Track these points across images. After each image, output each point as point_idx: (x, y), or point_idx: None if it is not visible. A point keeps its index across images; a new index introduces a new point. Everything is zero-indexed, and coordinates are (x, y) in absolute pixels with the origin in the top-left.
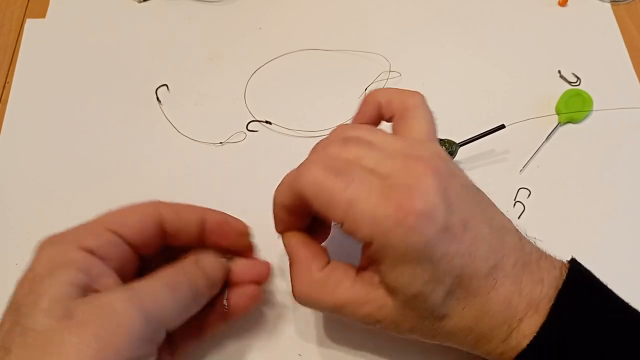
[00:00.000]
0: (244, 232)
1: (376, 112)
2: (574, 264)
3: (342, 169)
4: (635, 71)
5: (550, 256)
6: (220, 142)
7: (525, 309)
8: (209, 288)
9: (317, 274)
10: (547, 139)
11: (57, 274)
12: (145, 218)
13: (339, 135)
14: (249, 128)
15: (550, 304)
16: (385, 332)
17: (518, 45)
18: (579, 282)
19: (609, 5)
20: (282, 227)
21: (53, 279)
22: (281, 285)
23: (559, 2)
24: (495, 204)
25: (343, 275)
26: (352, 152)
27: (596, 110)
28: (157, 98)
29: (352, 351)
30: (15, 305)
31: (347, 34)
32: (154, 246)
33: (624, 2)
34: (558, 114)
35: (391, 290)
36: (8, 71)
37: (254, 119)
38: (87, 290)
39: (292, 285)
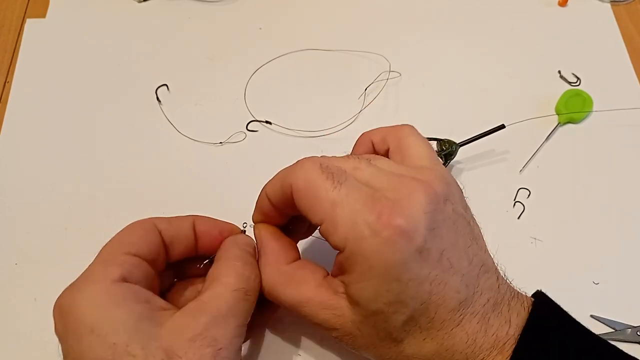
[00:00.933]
0: (235, 233)
1: (370, 149)
2: (538, 297)
3: (335, 173)
4: (635, 71)
5: (522, 295)
6: (220, 142)
7: (490, 349)
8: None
9: (284, 267)
10: (547, 139)
11: (121, 316)
12: (147, 232)
13: (343, 155)
14: (249, 128)
15: (515, 345)
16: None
17: (518, 45)
18: (542, 318)
19: (609, 5)
20: (259, 218)
21: (121, 322)
22: None
23: (559, 2)
24: (495, 204)
25: (310, 275)
26: (349, 163)
27: (596, 111)
28: (157, 98)
29: (352, 351)
30: None
31: (347, 34)
32: (162, 260)
33: (624, 2)
34: (558, 114)
35: (353, 302)
36: (8, 71)
37: (254, 119)
38: (151, 315)
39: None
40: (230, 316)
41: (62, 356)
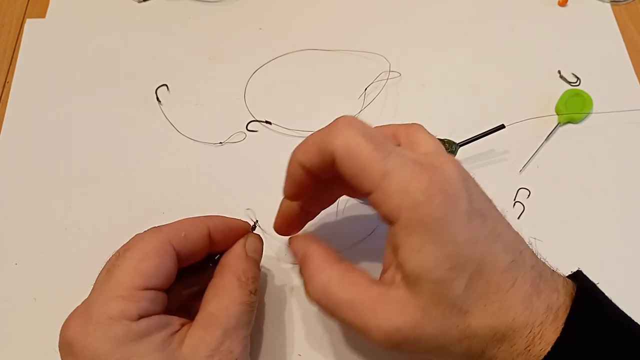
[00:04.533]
0: (247, 231)
1: None
2: (580, 275)
3: (380, 141)
4: (635, 71)
5: (558, 272)
6: (220, 142)
7: (545, 313)
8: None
9: (336, 267)
10: (547, 139)
11: (142, 350)
12: (165, 259)
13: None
14: (248, 128)
15: (567, 312)
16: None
17: (518, 45)
18: (590, 293)
19: (609, 5)
20: (292, 190)
21: (142, 355)
22: (280, 285)
23: (559, 2)
24: (495, 204)
25: (361, 276)
26: (387, 133)
27: (596, 111)
28: (157, 98)
29: (352, 351)
30: None
31: (347, 34)
32: (175, 275)
33: (624, 2)
34: (558, 114)
35: (414, 281)
36: (8, 71)
37: (253, 119)
38: (170, 340)
39: (307, 281)
40: (239, 328)
41: None
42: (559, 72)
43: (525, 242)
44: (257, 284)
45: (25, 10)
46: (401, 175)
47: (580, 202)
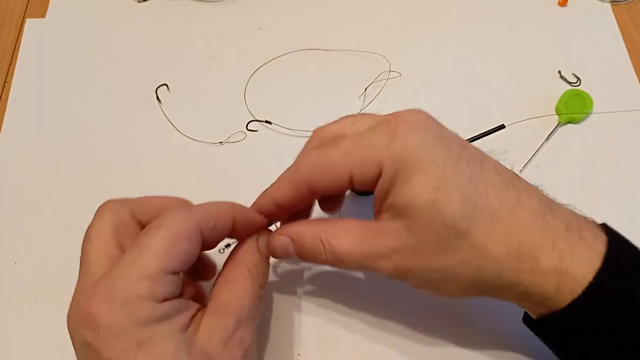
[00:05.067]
0: (263, 227)
1: None
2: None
3: (332, 139)
4: (635, 71)
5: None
6: (220, 142)
7: (566, 231)
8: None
9: (323, 221)
10: (547, 139)
11: (165, 331)
12: (194, 246)
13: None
14: (248, 128)
15: (597, 235)
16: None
17: (518, 45)
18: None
19: (609, 5)
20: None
21: (165, 336)
22: (280, 286)
23: (559, 2)
24: None
25: (350, 220)
26: (341, 123)
27: (596, 111)
28: (157, 98)
29: (352, 351)
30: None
31: (347, 34)
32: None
33: (624, 2)
34: (558, 114)
35: (404, 211)
36: (8, 71)
37: (253, 119)
38: (189, 323)
39: (300, 243)
40: (249, 319)
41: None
42: (559, 72)
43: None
44: (266, 279)
45: (25, 10)
46: (360, 143)
47: (580, 202)
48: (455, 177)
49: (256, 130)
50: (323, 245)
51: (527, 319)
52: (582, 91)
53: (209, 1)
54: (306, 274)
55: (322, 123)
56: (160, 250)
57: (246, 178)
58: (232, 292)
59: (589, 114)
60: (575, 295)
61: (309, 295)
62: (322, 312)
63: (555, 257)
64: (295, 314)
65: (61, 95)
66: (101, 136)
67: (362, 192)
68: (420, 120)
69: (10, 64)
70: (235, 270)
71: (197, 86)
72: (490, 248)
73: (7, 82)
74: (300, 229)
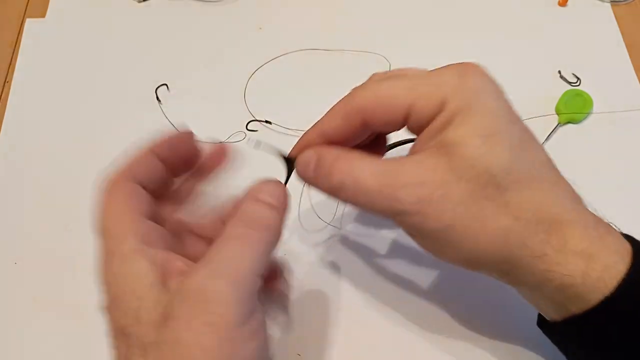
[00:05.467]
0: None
1: None
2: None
3: (394, 74)
4: (635, 71)
5: None
6: (220, 142)
7: (596, 222)
8: (278, 217)
9: (354, 150)
10: (547, 139)
11: (137, 275)
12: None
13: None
14: (248, 128)
15: (623, 238)
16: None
17: (518, 45)
18: None
19: (609, 5)
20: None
21: (136, 284)
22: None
23: (559, 2)
24: None
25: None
26: (402, 68)
27: (596, 111)
28: (157, 98)
29: (352, 351)
30: (115, 319)
31: (347, 34)
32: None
33: (624, 2)
34: (558, 114)
35: (448, 147)
36: (8, 71)
37: (253, 119)
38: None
39: (328, 172)
40: (233, 266)
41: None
42: (559, 72)
43: None
44: (266, 222)
45: (25, 10)
46: (426, 80)
47: None
48: (510, 134)
49: (256, 130)
50: (345, 167)
51: (542, 322)
52: (582, 91)
53: (209, 1)
54: (306, 274)
55: None
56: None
57: (246, 178)
58: (210, 248)
59: (589, 114)
60: (610, 284)
61: (309, 295)
62: (322, 312)
63: (584, 240)
64: (296, 313)
65: (61, 95)
66: (101, 136)
67: None
68: (488, 74)
69: (10, 64)
70: (239, 223)
71: (197, 86)
72: (522, 211)
73: (7, 82)
74: (326, 148)
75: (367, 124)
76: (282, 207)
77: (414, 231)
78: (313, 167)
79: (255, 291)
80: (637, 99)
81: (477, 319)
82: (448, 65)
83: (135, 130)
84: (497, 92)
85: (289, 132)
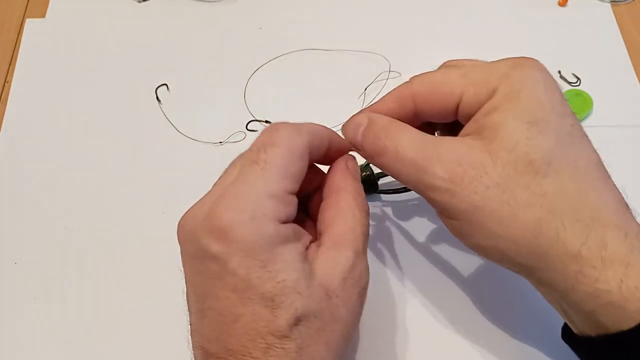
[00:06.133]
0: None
1: None
2: None
3: (452, 64)
4: (635, 71)
5: None
6: (220, 142)
7: (638, 232)
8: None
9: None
10: None
11: (287, 256)
12: (306, 164)
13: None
14: (248, 128)
15: None
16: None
17: (518, 45)
18: None
19: (609, 5)
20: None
21: (287, 261)
22: None
23: (559, 2)
24: None
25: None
26: (456, 60)
27: (596, 111)
28: (157, 98)
29: (352, 351)
30: (259, 295)
31: (347, 34)
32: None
33: (624, 2)
34: None
35: (489, 130)
36: (8, 71)
37: (253, 119)
38: (305, 253)
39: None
40: (365, 252)
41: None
42: (559, 72)
43: None
44: (368, 206)
45: (25, 10)
46: (480, 67)
47: None
48: (556, 125)
49: (256, 130)
50: (391, 134)
51: (567, 333)
52: (582, 91)
53: (209, 1)
54: None
55: (322, 123)
56: (280, 169)
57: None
58: (345, 224)
59: (589, 114)
60: None
61: None
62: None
63: (624, 247)
64: None
65: (61, 95)
66: (101, 136)
67: (390, 191)
68: (544, 70)
69: (10, 64)
70: (340, 199)
71: (197, 86)
72: (560, 204)
73: (7, 82)
74: (376, 114)
75: (419, 110)
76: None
77: (442, 210)
78: (363, 129)
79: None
80: (637, 98)
81: (492, 324)
82: (505, 58)
83: (135, 130)
84: (550, 83)
85: None
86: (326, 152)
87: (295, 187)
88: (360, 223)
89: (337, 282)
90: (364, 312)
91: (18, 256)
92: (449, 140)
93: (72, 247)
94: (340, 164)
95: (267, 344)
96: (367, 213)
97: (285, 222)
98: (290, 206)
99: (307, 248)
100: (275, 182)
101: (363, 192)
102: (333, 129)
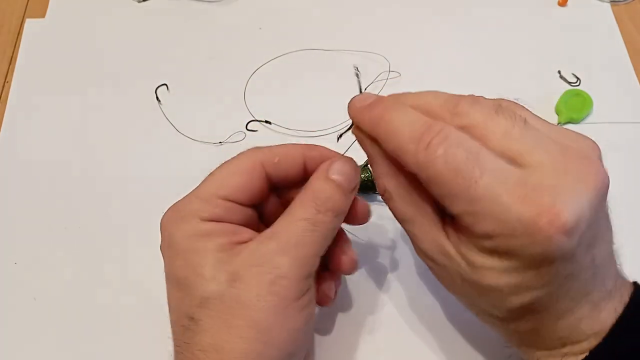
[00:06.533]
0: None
1: None
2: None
3: (476, 155)
4: (635, 71)
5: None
6: (220, 142)
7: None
8: (346, 200)
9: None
10: None
11: (203, 246)
12: (251, 179)
13: (491, 101)
14: (248, 128)
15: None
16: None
17: (518, 45)
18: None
19: (609, 5)
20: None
21: (201, 251)
22: None
23: (559, 2)
24: None
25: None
26: (500, 125)
27: (596, 111)
28: (157, 98)
29: (351, 351)
30: (176, 280)
31: (347, 34)
32: (264, 195)
33: (624, 2)
34: (558, 114)
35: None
36: (7, 71)
37: (253, 119)
38: (232, 246)
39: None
40: (300, 246)
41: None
42: (559, 72)
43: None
44: (335, 206)
45: (25, 10)
46: (498, 200)
47: None
48: (543, 285)
49: (256, 130)
50: (396, 106)
51: None
52: (582, 91)
53: (209, 1)
54: None
55: (322, 123)
56: (218, 178)
57: None
58: (282, 218)
59: (588, 113)
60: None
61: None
62: (322, 312)
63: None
64: None
65: (61, 95)
66: (101, 136)
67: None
68: (584, 212)
69: (10, 64)
70: (293, 205)
71: (197, 86)
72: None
73: (7, 82)
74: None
75: None
76: (351, 186)
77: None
78: (372, 100)
79: (313, 271)
80: (636, 98)
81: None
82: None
83: (135, 130)
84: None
85: (289, 132)
86: (303, 167)
87: (232, 195)
88: (298, 217)
89: (244, 270)
90: (364, 312)
91: (18, 256)
92: None
93: (72, 247)
94: (320, 166)
95: (183, 325)
96: (320, 210)
97: (211, 220)
98: (217, 208)
99: (244, 242)
100: (207, 189)
101: (327, 191)
102: (333, 129)
